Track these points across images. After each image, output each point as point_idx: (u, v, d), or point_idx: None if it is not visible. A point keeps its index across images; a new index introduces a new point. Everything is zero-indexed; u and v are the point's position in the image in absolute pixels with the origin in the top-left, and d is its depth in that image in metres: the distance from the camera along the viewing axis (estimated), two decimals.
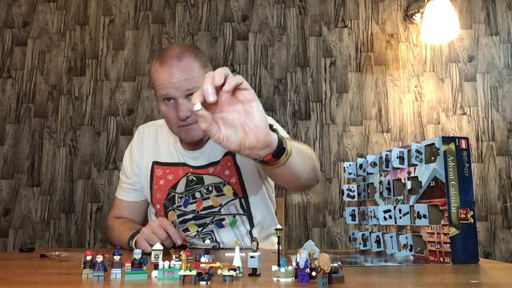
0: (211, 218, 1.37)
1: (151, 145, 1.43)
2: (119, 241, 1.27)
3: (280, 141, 0.88)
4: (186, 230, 1.38)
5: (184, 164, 1.38)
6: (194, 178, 1.37)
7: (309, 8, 2.33)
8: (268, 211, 1.46)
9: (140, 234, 1.12)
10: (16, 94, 2.25)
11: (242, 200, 1.38)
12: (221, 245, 1.37)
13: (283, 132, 1.34)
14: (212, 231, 1.37)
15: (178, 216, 1.37)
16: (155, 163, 1.40)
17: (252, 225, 1.40)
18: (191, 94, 1.15)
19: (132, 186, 1.43)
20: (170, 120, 1.28)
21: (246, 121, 0.80)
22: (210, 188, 1.36)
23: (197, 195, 1.36)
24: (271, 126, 0.86)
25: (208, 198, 1.36)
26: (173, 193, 1.37)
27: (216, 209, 1.36)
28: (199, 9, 2.33)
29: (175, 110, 1.24)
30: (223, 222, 1.37)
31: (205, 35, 2.30)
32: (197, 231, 1.37)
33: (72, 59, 2.29)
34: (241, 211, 1.38)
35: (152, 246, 0.99)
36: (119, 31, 2.31)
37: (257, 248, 0.72)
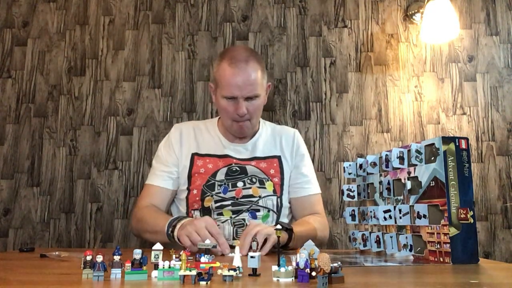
0: (248, 206, 1.46)
1: (190, 139, 1.56)
2: (153, 228, 1.35)
3: (290, 237, 1.26)
4: (221, 215, 1.46)
5: (227, 156, 1.51)
6: (238, 169, 1.50)
7: (309, 8, 2.33)
8: (288, 219, 1.58)
9: (183, 230, 1.18)
10: (16, 94, 2.25)
11: (278, 199, 1.50)
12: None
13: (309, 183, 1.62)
14: (244, 219, 1.44)
15: (216, 202, 1.46)
16: (195, 154, 1.53)
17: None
18: (251, 96, 1.41)
19: (170, 174, 1.53)
20: (227, 114, 1.46)
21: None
22: (254, 180, 1.49)
23: (239, 184, 1.48)
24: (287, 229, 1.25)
25: (250, 188, 1.47)
26: (212, 181, 1.48)
27: (255, 199, 1.47)
28: (199, 9, 2.33)
29: (234, 107, 1.42)
30: (258, 214, 1.46)
31: (205, 35, 2.30)
32: (230, 217, 1.44)
33: (72, 59, 2.29)
34: (275, 209, 1.49)
35: (194, 243, 1.13)
36: (119, 31, 2.31)
37: (257, 248, 0.72)
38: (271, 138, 1.60)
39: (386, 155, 1.13)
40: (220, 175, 1.48)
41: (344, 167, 1.32)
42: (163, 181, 1.52)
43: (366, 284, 0.69)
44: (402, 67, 2.27)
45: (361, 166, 1.25)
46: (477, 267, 0.87)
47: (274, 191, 1.50)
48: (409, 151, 1.05)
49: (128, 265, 0.68)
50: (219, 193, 1.47)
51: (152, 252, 0.71)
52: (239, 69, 1.39)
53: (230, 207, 1.45)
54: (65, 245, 2.13)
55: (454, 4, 2.20)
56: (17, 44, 2.30)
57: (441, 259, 0.93)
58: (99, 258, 0.68)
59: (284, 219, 1.53)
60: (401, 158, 1.07)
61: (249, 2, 2.33)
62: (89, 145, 2.21)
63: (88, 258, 0.70)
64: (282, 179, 1.53)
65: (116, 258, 0.69)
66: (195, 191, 1.48)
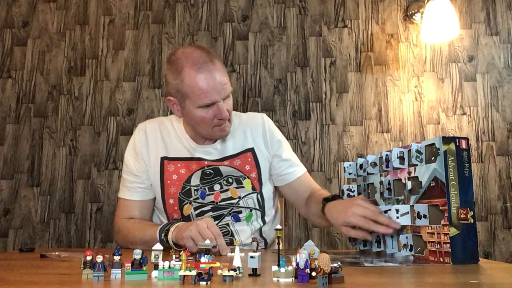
0: (229, 209, 1.39)
1: (156, 141, 1.42)
2: (143, 238, 1.25)
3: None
4: None
5: (199, 159, 1.40)
6: (211, 171, 1.39)
7: (309, 8, 2.33)
8: (276, 211, 1.53)
9: (186, 231, 1.10)
10: (16, 94, 2.25)
11: (259, 195, 1.43)
12: (235, 237, 1.38)
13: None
14: (228, 224, 1.39)
15: (195, 209, 1.37)
16: (164, 158, 1.39)
17: (264, 222, 1.44)
18: (226, 96, 1.29)
19: (142, 184, 1.39)
20: (206, 122, 1.31)
21: None
22: (230, 180, 1.40)
23: (216, 187, 1.39)
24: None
25: (228, 190, 1.39)
26: (188, 187, 1.38)
27: (235, 201, 1.40)
28: (199, 9, 2.33)
29: (214, 113, 1.29)
30: (240, 215, 1.40)
31: (205, 35, 2.30)
32: None
33: (72, 59, 2.29)
34: (257, 206, 1.43)
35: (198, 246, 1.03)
36: (119, 31, 2.31)
37: (257, 248, 0.72)
38: (239, 131, 1.46)
39: (387, 155, 1.13)
40: (195, 180, 1.38)
41: (344, 167, 1.32)
42: (136, 194, 1.39)
43: (366, 284, 0.69)
44: (402, 67, 2.27)
45: (361, 166, 1.25)
46: (477, 267, 0.87)
47: (253, 187, 1.42)
48: (409, 151, 1.05)
49: (128, 265, 0.68)
50: (197, 198, 1.37)
51: (152, 252, 0.71)
52: (210, 71, 1.25)
53: (211, 213, 1.37)
54: (65, 245, 2.13)
55: (454, 4, 2.20)
56: (17, 44, 2.30)
57: (441, 259, 0.93)
58: (99, 258, 0.68)
59: (270, 211, 1.47)
60: (401, 158, 1.07)
61: (249, 2, 2.33)
62: (89, 145, 2.21)
63: (88, 258, 0.70)
64: (259, 173, 1.43)
65: (116, 258, 0.69)
66: (171, 201, 1.37)
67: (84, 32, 2.31)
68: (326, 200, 1.27)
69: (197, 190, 1.38)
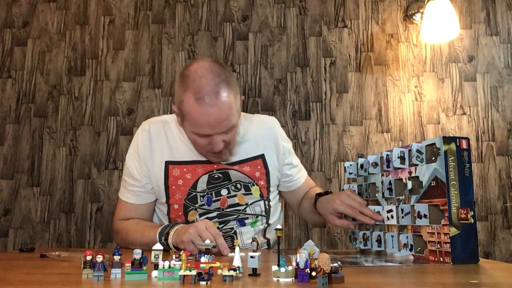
0: (236, 216, 1.37)
1: (161, 143, 1.36)
2: (142, 240, 1.24)
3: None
4: None
5: (207, 162, 1.34)
6: (220, 175, 1.35)
7: (309, 8, 2.33)
8: (279, 214, 1.54)
9: (186, 235, 1.09)
10: (16, 94, 2.25)
11: (266, 202, 1.42)
12: (237, 238, 1.38)
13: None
14: (232, 228, 1.37)
15: (201, 215, 1.34)
16: (169, 163, 1.34)
17: (268, 224, 1.44)
18: (226, 130, 1.21)
19: (142, 188, 1.35)
20: (199, 147, 1.27)
21: None
22: (238, 186, 1.37)
23: (223, 192, 1.35)
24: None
25: (235, 196, 1.36)
26: (194, 193, 1.33)
27: (242, 207, 1.37)
28: (199, 9, 2.33)
29: (208, 142, 1.23)
30: (246, 221, 1.38)
31: (205, 35, 2.30)
32: (218, 227, 1.34)
33: (72, 59, 2.29)
34: (263, 213, 1.42)
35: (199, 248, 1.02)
36: (119, 31, 2.31)
37: (257, 248, 0.72)
38: (251, 135, 1.42)
39: (387, 155, 1.13)
40: (201, 185, 1.33)
41: (345, 167, 1.32)
42: (136, 197, 1.36)
43: (366, 284, 0.69)
44: (402, 67, 2.27)
45: (362, 166, 1.25)
46: (477, 267, 0.87)
47: (261, 194, 1.40)
48: (410, 151, 1.05)
49: (128, 265, 0.68)
50: (203, 205, 1.34)
51: (152, 252, 0.71)
52: (210, 106, 1.16)
53: (216, 219, 1.34)
54: (65, 245, 2.13)
55: (454, 4, 2.20)
56: (17, 44, 2.30)
57: (441, 259, 0.93)
58: (99, 258, 0.68)
59: (274, 217, 1.47)
60: (402, 158, 1.07)
61: (249, 2, 2.33)
62: (89, 145, 2.21)
63: (88, 258, 0.70)
64: (268, 181, 1.41)
65: (116, 258, 0.69)
66: (176, 206, 1.34)
67: (84, 32, 2.31)
68: (319, 195, 1.34)
69: (203, 196, 1.34)
